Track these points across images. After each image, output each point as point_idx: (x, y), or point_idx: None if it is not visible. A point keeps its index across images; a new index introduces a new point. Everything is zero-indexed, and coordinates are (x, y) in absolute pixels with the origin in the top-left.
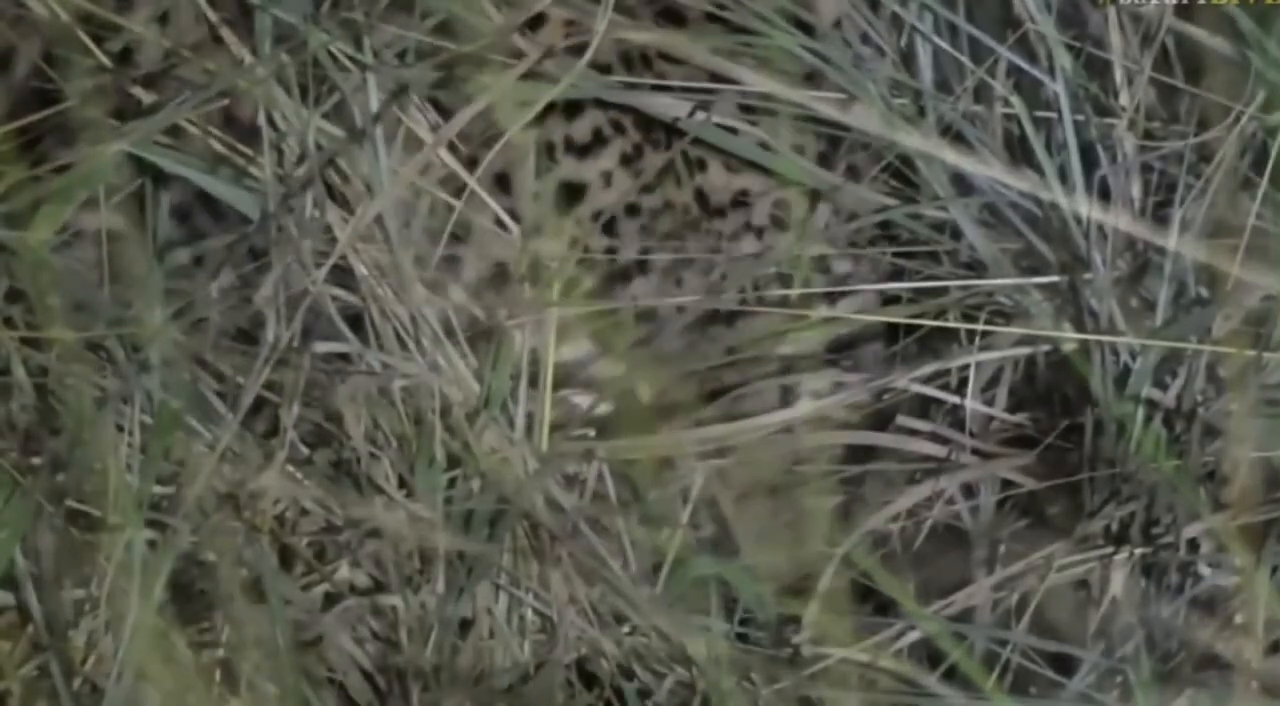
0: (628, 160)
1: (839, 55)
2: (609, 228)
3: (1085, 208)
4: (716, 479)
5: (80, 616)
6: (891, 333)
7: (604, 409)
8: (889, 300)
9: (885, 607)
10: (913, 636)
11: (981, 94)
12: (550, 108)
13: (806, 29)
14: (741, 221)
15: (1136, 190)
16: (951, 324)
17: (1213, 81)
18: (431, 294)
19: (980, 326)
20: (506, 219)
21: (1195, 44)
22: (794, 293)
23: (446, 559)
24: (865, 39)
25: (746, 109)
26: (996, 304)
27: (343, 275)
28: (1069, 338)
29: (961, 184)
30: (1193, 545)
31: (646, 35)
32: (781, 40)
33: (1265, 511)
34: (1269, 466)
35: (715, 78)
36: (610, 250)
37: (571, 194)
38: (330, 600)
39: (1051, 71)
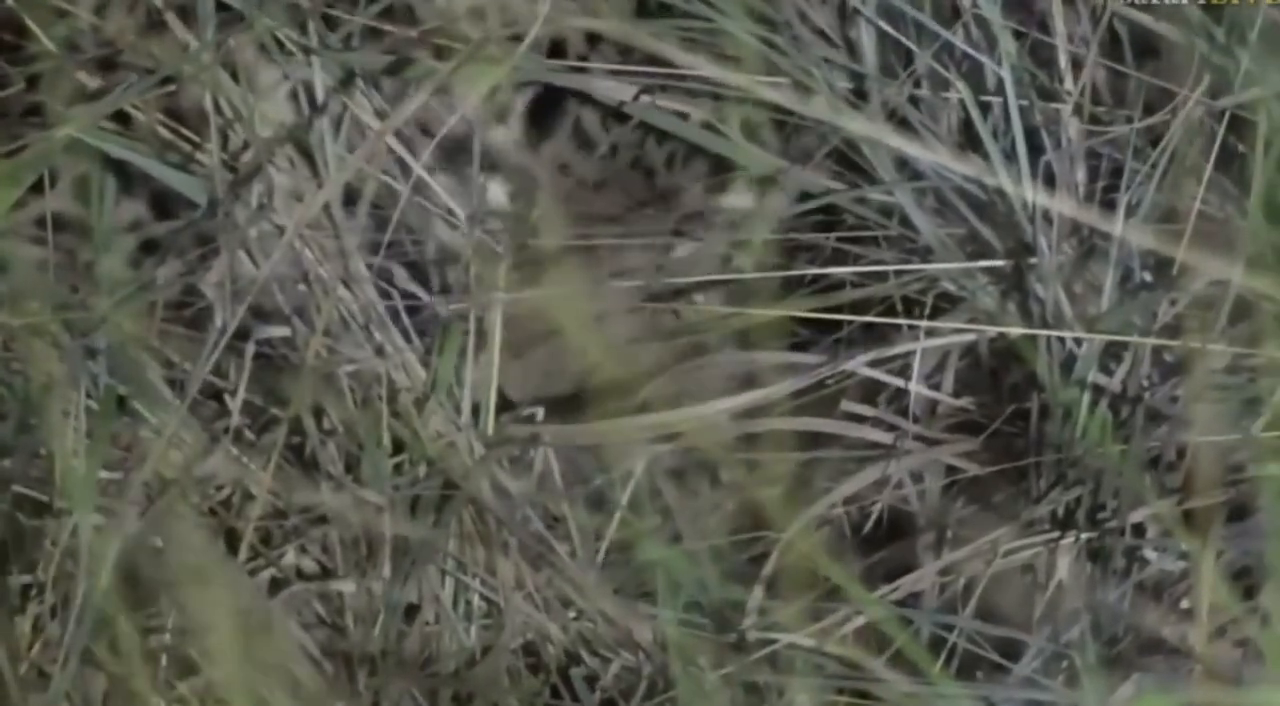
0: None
1: (785, 40)
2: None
3: (1030, 193)
4: (660, 464)
5: (27, 601)
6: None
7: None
8: (835, 285)
9: (831, 593)
10: (859, 621)
11: (927, 79)
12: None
13: (756, 15)
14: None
15: (1082, 175)
16: (898, 320)
17: (1159, 66)
18: (378, 279)
19: (924, 322)
20: (453, 205)
21: (1142, 28)
22: (747, 276)
23: (393, 544)
24: (808, 22)
25: (693, 94)
26: (942, 289)
27: (289, 261)
28: (1014, 332)
29: (907, 169)
30: (1138, 530)
31: (593, 22)
32: (728, 25)
33: (1211, 496)
34: (1216, 451)
35: (663, 63)
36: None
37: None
38: (277, 585)
39: (997, 56)
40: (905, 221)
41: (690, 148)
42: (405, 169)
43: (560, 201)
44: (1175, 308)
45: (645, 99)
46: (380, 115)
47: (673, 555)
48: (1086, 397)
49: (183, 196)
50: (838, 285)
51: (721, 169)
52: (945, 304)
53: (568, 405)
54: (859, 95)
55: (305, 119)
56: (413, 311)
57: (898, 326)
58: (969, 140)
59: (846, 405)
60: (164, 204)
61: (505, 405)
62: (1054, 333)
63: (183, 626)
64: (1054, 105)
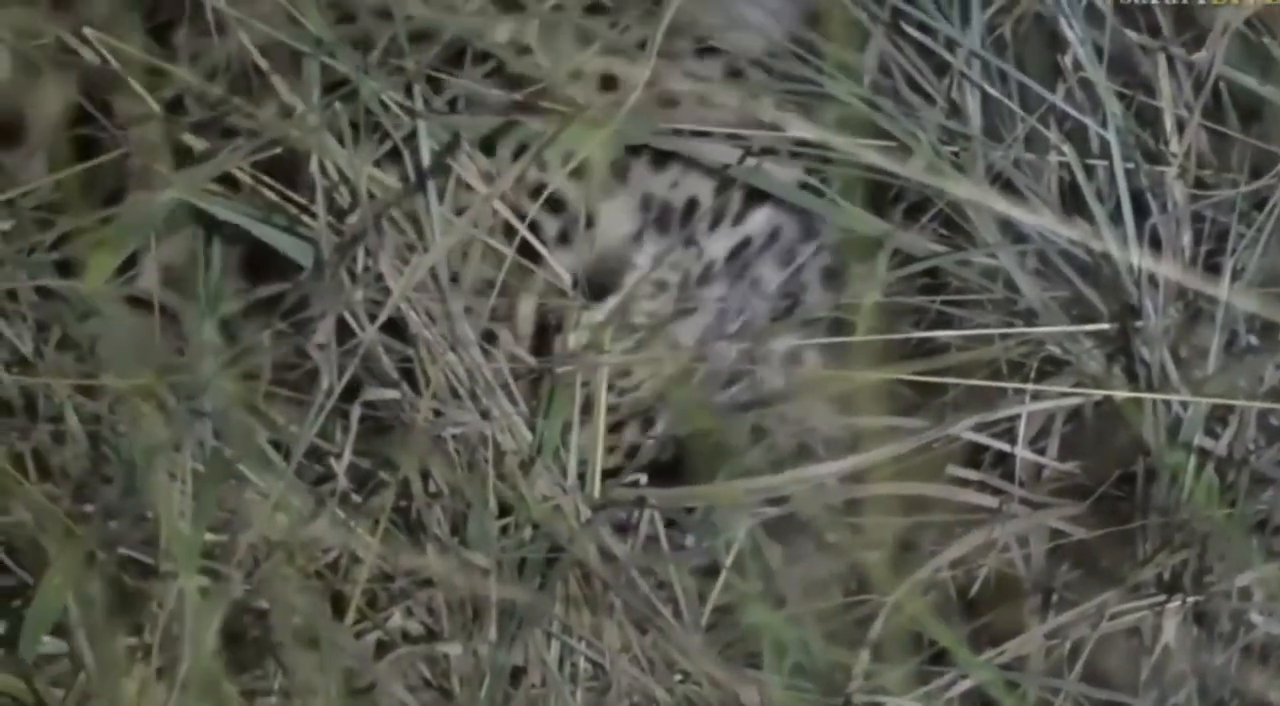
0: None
1: (888, 103)
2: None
3: (1136, 256)
4: (763, 528)
5: (132, 664)
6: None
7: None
8: (939, 348)
9: (938, 656)
10: (965, 685)
11: (1031, 141)
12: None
13: (859, 77)
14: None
15: (1187, 239)
16: (1004, 384)
17: (1265, 129)
18: (483, 343)
19: (1030, 386)
20: (559, 269)
21: (1246, 91)
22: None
23: (499, 607)
24: (914, 86)
25: (796, 157)
26: (1047, 353)
27: (395, 323)
28: (1120, 395)
29: (1011, 231)
30: (1245, 594)
31: (697, 85)
32: (832, 88)
33: None
34: None
35: (765, 127)
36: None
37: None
38: (383, 648)
39: (1101, 118)
40: (1009, 284)
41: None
42: (510, 231)
43: None
44: None
45: (749, 162)
46: (486, 178)
47: (777, 618)
48: (1192, 461)
49: (288, 259)
50: (942, 348)
51: None
52: (1050, 367)
53: (672, 469)
54: (963, 157)
55: (410, 182)
56: (517, 375)
57: (1002, 390)
58: (1073, 203)
59: (952, 469)
60: (269, 267)
61: (610, 469)
62: (1160, 396)
63: (288, 689)
64: (1159, 168)
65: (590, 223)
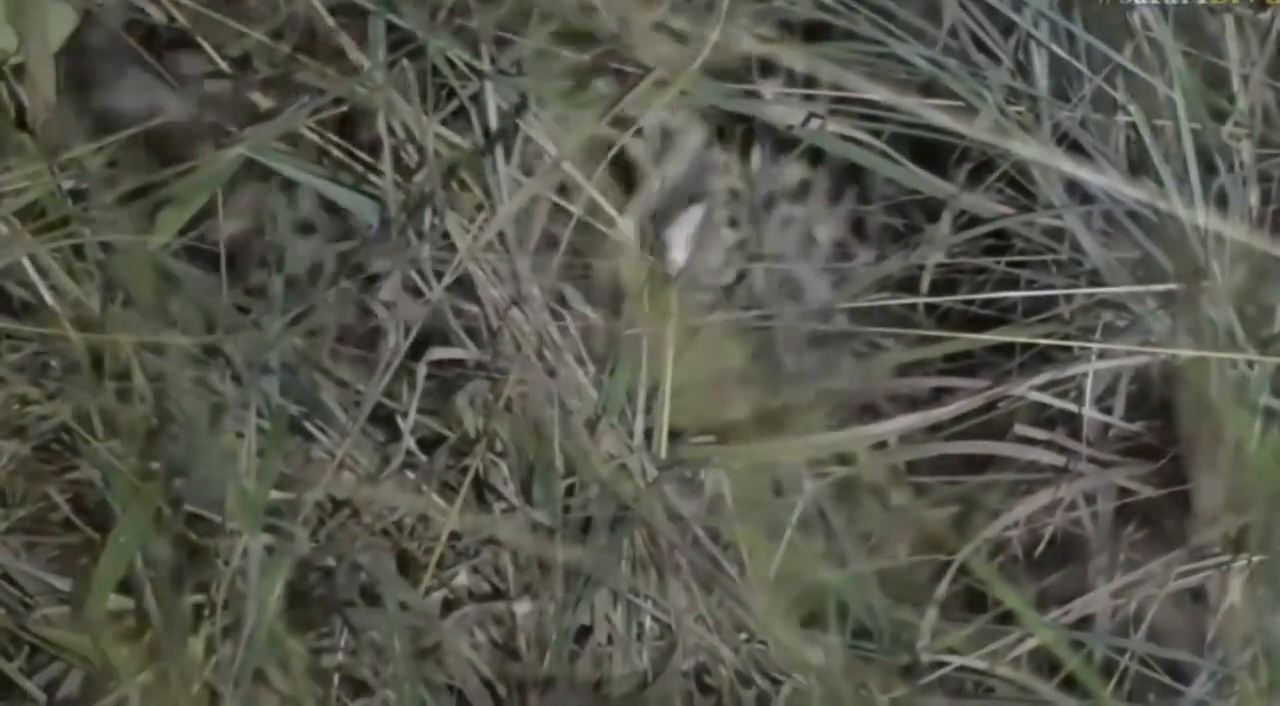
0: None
1: (955, 63)
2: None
3: (1202, 216)
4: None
5: (199, 621)
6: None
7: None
8: (1005, 308)
9: (1003, 616)
10: (1030, 644)
11: (1098, 101)
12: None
13: (927, 39)
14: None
15: (1254, 198)
16: (1071, 343)
17: None
18: (550, 302)
19: (1097, 344)
20: (626, 227)
21: None
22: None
23: (565, 566)
24: (980, 47)
25: (864, 118)
26: (1112, 312)
27: (462, 281)
28: (1187, 353)
29: (1077, 192)
30: None
31: (761, 45)
32: (899, 49)
33: None
34: None
35: (832, 88)
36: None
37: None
38: (449, 606)
39: (1168, 78)
40: (1075, 245)
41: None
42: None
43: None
44: None
45: (814, 123)
46: (553, 138)
47: (842, 578)
48: (1259, 421)
49: (355, 218)
50: (1008, 309)
51: None
52: (1116, 327)
53: (737, 429)
54: (1029, 118)
55: (478, 142)
56: (586, 334)
57: (1068, 349)
58: (1139, 163)
59: (1019, 428)
60: (336, 225)
61: (676, 430)
62: (1226, 355)
63: (354, 647)
64: (1226, 127)
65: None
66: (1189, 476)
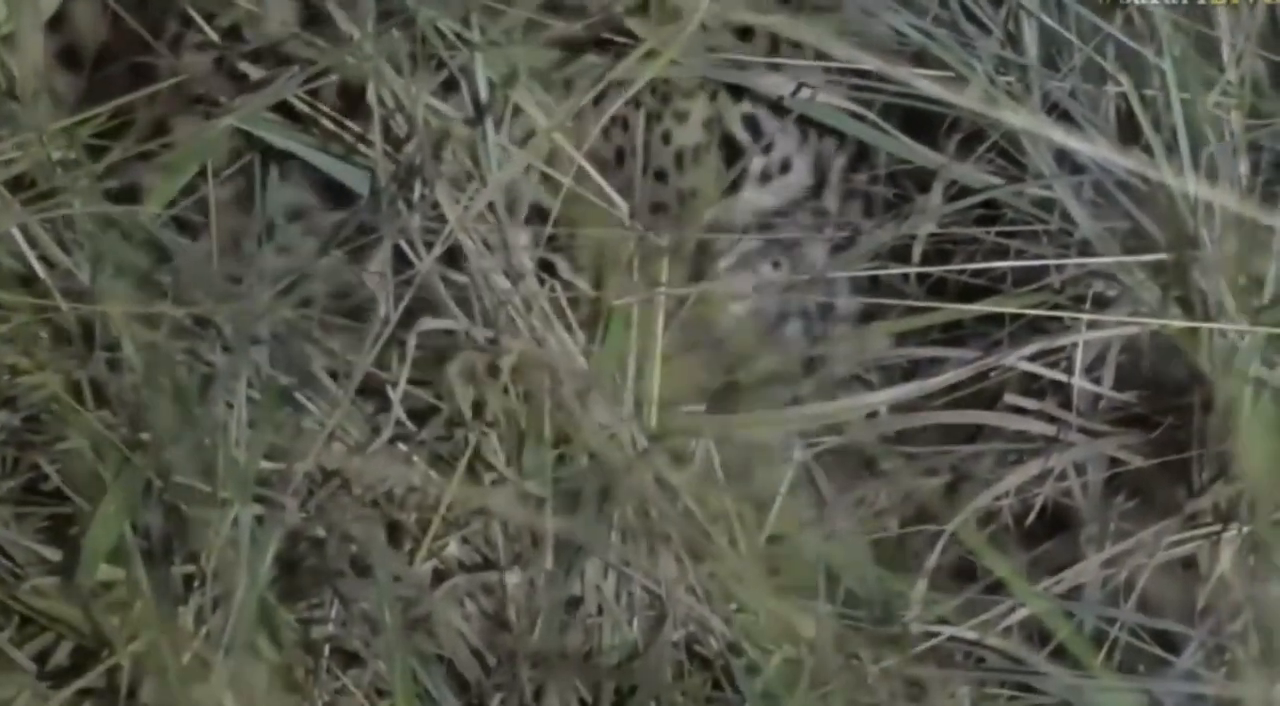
0: None
1: (945, 33)
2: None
3: (1193, 186)
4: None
5: (189, 592)
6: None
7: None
8: (995, 278)
9: (993, 586)
10: (1021, 614)
11: (1088, 71)
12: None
13: (916, 8)
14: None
15: (1244, 168)
16: (1061, 313)
17: None
18: (540, 272)
19: (1086, 314)
20: (616, 197)
21: None
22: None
23: (555, 537)
24: (970, 16)
25: (853, 89)
26: (1102, 283)
27: (451, 252)
28: (1177, 324)
29: (1067, 162)
30: None
31: (750, 15)
32: (889, 18)
33: None
34: None
35: (821, 57)
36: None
37: None
38: (439, 577)
39: (1157, 48)
40: (1065, 215)
41: None
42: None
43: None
44: None
45: (804, 93)
46: (543, 108)
47: (832, 548)
48: (1249, 391)
49: (345, 188)
50: (998, 279)
51: None
52: (1106, 297)
53: (726, 398)
54: (1019, 87)
55: (468, 113)
56: (575, 304)
57: (1058, 319)
58: (1129, 133)
59: (1009, 397)
60: (325, 195)
61: (666, 398)
62: (1216, 326)
63: (344, 618)
64: (1216, 97)
65: None
66: (1180, 446)
